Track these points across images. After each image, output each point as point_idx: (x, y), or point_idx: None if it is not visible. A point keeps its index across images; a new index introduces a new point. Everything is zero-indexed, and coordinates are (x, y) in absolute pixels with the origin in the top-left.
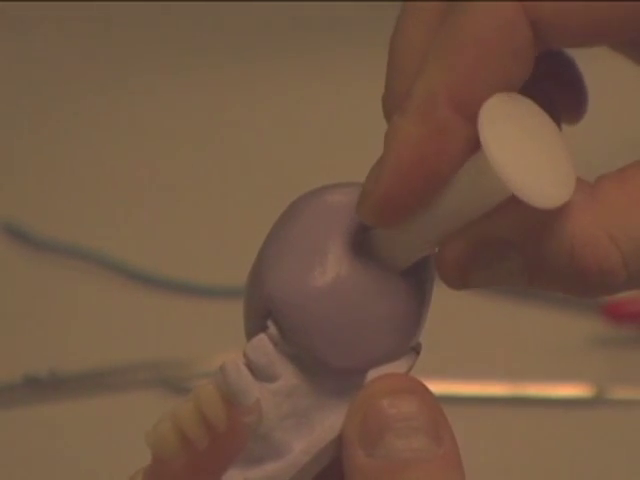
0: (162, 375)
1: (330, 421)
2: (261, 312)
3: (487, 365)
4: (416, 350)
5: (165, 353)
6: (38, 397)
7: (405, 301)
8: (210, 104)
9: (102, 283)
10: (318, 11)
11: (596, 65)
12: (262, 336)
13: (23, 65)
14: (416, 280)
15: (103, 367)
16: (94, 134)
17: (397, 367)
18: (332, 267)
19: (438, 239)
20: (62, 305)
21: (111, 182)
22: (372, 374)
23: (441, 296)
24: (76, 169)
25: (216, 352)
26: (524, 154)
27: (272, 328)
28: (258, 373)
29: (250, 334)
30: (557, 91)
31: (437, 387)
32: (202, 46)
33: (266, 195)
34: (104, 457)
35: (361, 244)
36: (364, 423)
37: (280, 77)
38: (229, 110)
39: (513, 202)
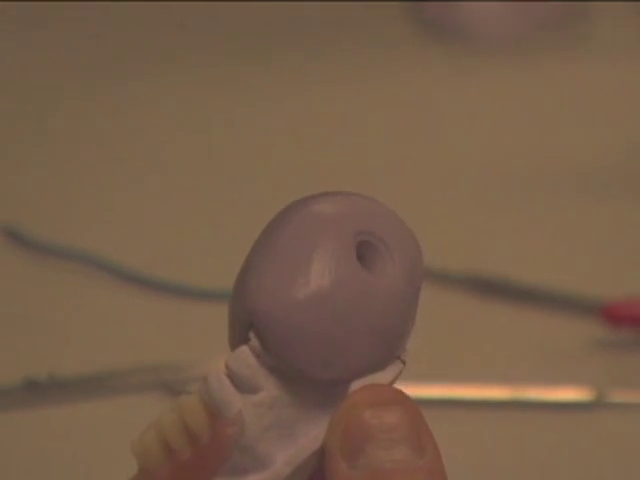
0: (161, 378)
1: (314, 432)
2: (244, 323)
3: (486, 368)
4: (402, 359)
5: (164, 356)
6: (37, 400)
7: (389, 312)
8: (205, 108)
9: (102, 286)
10: (322, 13)
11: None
12: (244, 348)
13: (22, 68)
14: (401, 292)
15: (102, 370)
16: (92, 138)
17: (381, 377)
18: (315, 278)
19: None
20: (61, 308)
21: (110, 185)
22: (355, 385)
23: (439, 299)
24: (75, 173)
25: (215, 355)
26: None
27: (254, 340)
28: (240, 385)
29: (233, 345)
30: None
31: (436, 390)
32: (201, 49)
33: (265, 198)
34: (103, 460)
35: (347, 254)
36: (346, 434)
37: (279, 82)
38: (224, 114)
39: None
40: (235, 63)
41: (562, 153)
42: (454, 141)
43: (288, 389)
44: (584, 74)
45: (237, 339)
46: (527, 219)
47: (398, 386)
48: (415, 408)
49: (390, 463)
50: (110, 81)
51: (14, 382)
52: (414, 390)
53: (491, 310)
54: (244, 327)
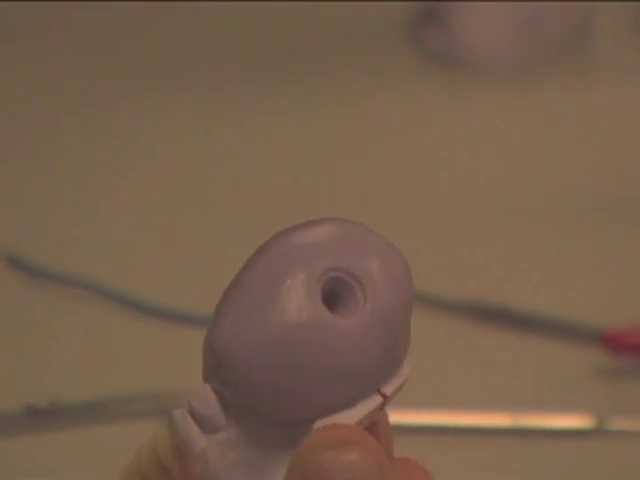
0: (163, 405)
1: (280, 471)
2: (208, 361)
3: (486, 396)
4: (382, 393)
5: (166, 383)
6: (39, 427)
7: (353, 352)
8: (205, 134)
9: (104, 313)
10: (324, 39)
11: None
12: (206, 387)
13: (25, 92)
14: (369, 330)
15: (104, 397)
16: (95, 165)
17: (348, 415)
18: (273, 320)
19: None
20: (63, 335)
21: (113, 213)
22: (318, 425)
23: (440, 326)
24: (78, 200)
25: None
26: None
27: (214, 380)
28: (204, 423)
29: (205, 380)
30: None
31: (436, 418)
32: (202, 72)
33: (267, 222)
34: None
35: (312, 293)
36: (306, 479)
37: (280, 106)
38: (223, 140)
39: None
40: (237, 87)
41: (562, 180)
42: (454, 167)
43: (251, 428)
44: (585, 99)
45: (206, 376)
46: (527, 246)
47: (397, 413)
48: (376, 446)
49: None
50: (114, 109)
51: (15, 409)
52: (414, 417)
53: (492, 337)
54: (209, 365)
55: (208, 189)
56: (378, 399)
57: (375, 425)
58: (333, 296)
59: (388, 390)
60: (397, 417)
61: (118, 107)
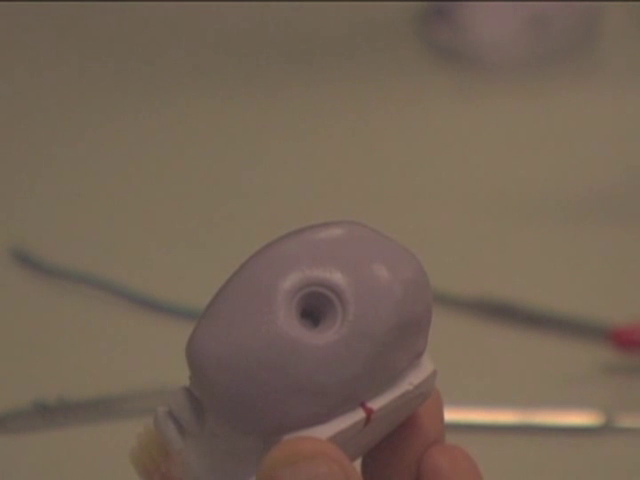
0: None
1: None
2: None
3: (494, 392)
4: (367, 407)
5: (174, 381)
6: (47, 423)
7: (324, 371)
8: (210, 136)
9: (111, 310)
10: (331, 36)
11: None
12: (182, 389)
13: (34, 90)
14: (344, 349)
15: (112, 394)
16: (105, 162)
17: (320, 430)
18: (240, 334)
19: None
20: (71, 332)
21: (122, 210)
22: (285, 439)
23: (449, 323)
24: (86, 196)
25: None
26: None
27: (192, 383)
28: (182, 424)
29: None
30: None
31: (445, 415)
32: (207, 73)
33: (273, 223)
34: None
35: (292, 303)
36: None
37: (284, 104)
38: (229, 140)
39: None
40: (243, 85)
41: (571, 177)
42: (463, 165)
43: (225, 435)
44: (593, 98)
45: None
46: (536, 244)
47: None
48: (340, 457)
49: None
50: (121, 106)
51: (24, 405)
52: None
53: (500, 334)
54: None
55: (214, 188)
56: (360, 414)
57: (419, 416)
58: (319, 310)
59: (375, 405)
60: None
61: (129, 109)
